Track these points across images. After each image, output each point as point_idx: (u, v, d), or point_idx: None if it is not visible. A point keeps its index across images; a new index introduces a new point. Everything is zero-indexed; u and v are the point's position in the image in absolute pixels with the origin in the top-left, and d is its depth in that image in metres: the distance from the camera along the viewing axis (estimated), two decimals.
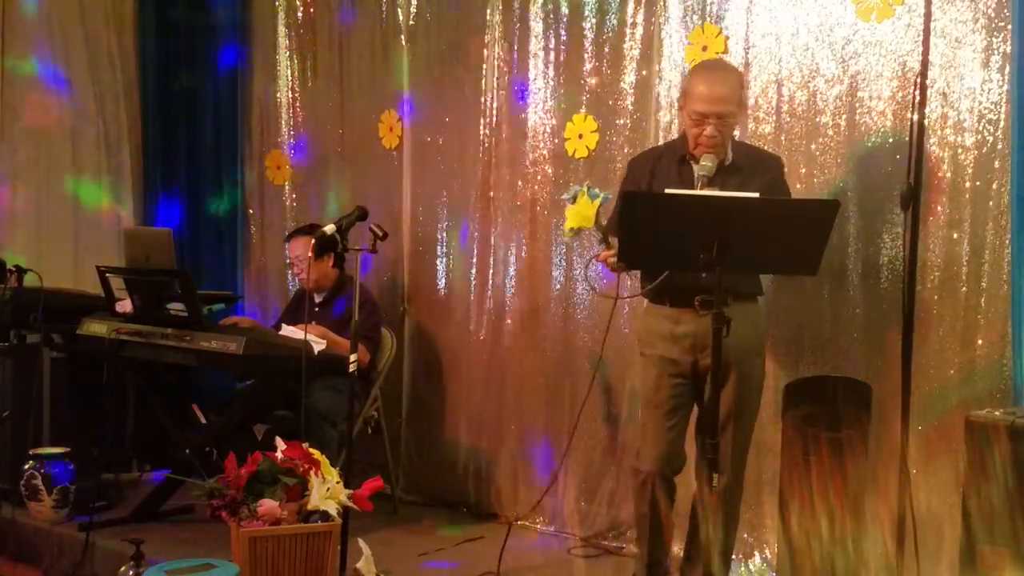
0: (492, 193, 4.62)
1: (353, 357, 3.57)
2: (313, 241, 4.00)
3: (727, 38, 3.83)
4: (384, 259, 4.96)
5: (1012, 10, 3.18)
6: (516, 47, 4.51)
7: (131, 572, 3.20)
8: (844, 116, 3.58)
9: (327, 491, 3.12)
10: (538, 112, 4.45)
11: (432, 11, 4.85)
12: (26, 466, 4.24)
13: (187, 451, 4.19)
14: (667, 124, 3.99)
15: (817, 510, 3.24)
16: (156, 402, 4.39)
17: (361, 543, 3.42)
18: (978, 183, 3.30)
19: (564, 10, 4.33)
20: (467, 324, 4.71)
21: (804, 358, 3.63)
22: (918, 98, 2.92)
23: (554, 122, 4.39)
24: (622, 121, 4.17)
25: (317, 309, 4.62)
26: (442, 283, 4.83)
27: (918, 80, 2.93)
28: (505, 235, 4.57)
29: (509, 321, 4.55)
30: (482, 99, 4.64)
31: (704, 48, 3.85)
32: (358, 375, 3.71)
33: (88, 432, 4.65)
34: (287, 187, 5.54)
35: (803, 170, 3.68)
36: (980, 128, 3.29)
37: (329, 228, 3.68)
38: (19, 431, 4.47)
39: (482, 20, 4.62)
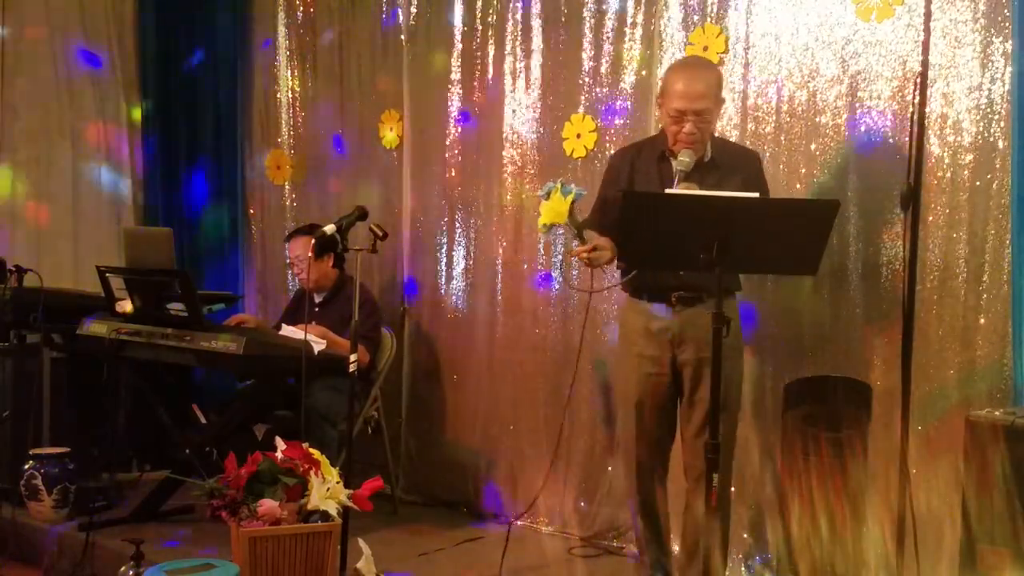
0: (492, 192, 4.62)
1: (353, 357, 3.57)
2: (313, 241, 4.00)
3: (727, 38, 3.83)
4: (384, 259, 4.96)
5: (1012, 10, 3.18)
6: (516, 47, 4.51)
7: (131, 572, 3.20)
8: (844, 116, 3.58)
9: (327, 491, 3.12)
10: (537, 112, 4.45)
11: (432, 11, 4.85)
12: (26, 466, 4.24)
13: (187, 451, 4.19)
14: None
15: (817, 510, 3.25)
16: (156, 402, 4.38)
17: (361, 543, 3.41)
18: (978, 183, 3.30)
19: (564, 10, 4.33)
20: (467, 324, 4.71)
21: (804, 358, 3.63)
22: (918, 98, 2.91)
23: (553, 122, 4.39)
24: (621, 121, 4.17)
25: (317, 309, 4.62)
26: (442, 283, 4.83)
27: (918, 80, 2.93)
28: (505, 235, 4.57)
29: (509, 321, 4.54)
30: (481, 98, 4.65)
31: (704, 48, 3.85)
32: (358, 375, 3.71)
33: (88, 432, 4.65)
34: (287, 187, 5.54)
35: (803, 170, 3.68)
36: (980, 128, 3.29)
37: (329, 228, 3.68)
38: (19, 431, 4.47)
39: (482, 20, 4.63)
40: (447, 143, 4.80)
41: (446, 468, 4.77)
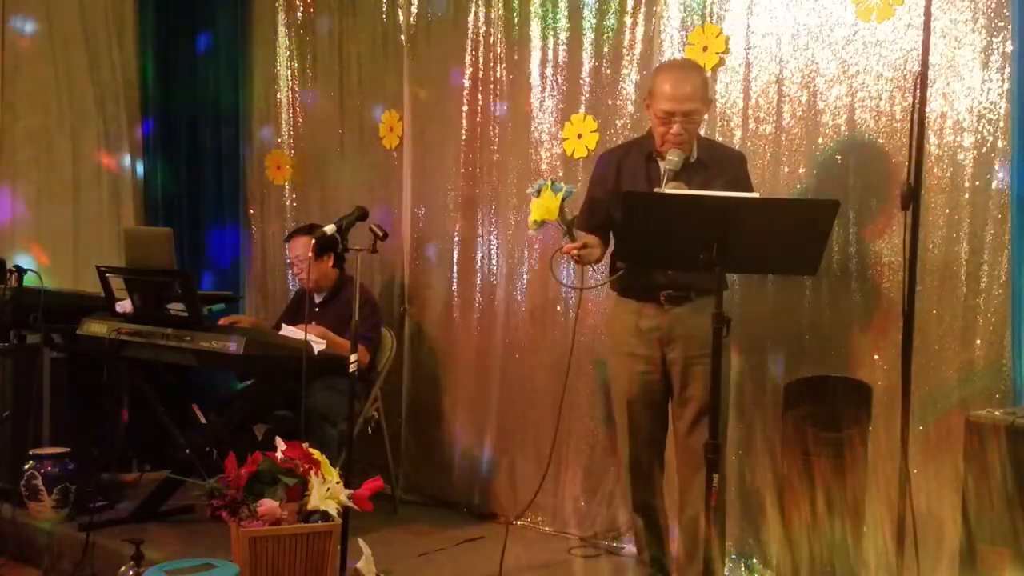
0: (492, 193, 4.62)
1: (353, 357, 3.57)
2: (313, 241, 4.00)
3: (727, 38, 3.83)
4: (384, 259, 4.96)
5: (1012, 10, 3.18)
6: (516, 46, 4.51)
7: (131, 572, 3.21)
8: (844, 116, 3.59)
9: (327, 491, 3.12)
10: (537, 112, 4.45)
11: (432, 11, 4.85)
12: (26, 466, 4.23)
13: (187, 451, 4.19)
14: None
15: (817, 510, 3.25)
16: (156, 402, 4.38)
17: (361, 543, 3.42)
18: (978, 183, 3.30)
19: (564, 10, 4.33)
20: (467, 324, 4.71)
21: (804, 358, 3.63)
22: (918, 98, 2.92)
23: (553, 122, 4.39)
24: (622, 121, 4.17)
25: (317, 309, 4.62)
26: (442, 283, 4.83)
27: (918, 80, 2.93)
28: (504, 235, 4.57)
29: (509, 321, 4.54)
30: (481, 98, 4.65)
31: (704, 48, 3.85)
32: (358, 375, 3.71)
33: (88, 432, 4.64)
34: (287, 187, 5.54)
35: (803, 170, 3.68)
36: (980, 128, 3.29)
37: (329, 228, 3.68)
38: (19, 431, 4.46)
39: (482, 19, 4.63)
40: (447, 143, 4.80)
41: (446, 468, 4.77)
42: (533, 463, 4.40)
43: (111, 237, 5.76)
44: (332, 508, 3.11)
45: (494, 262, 4.61)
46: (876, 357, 3.48)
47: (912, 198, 2.94)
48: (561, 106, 4.36)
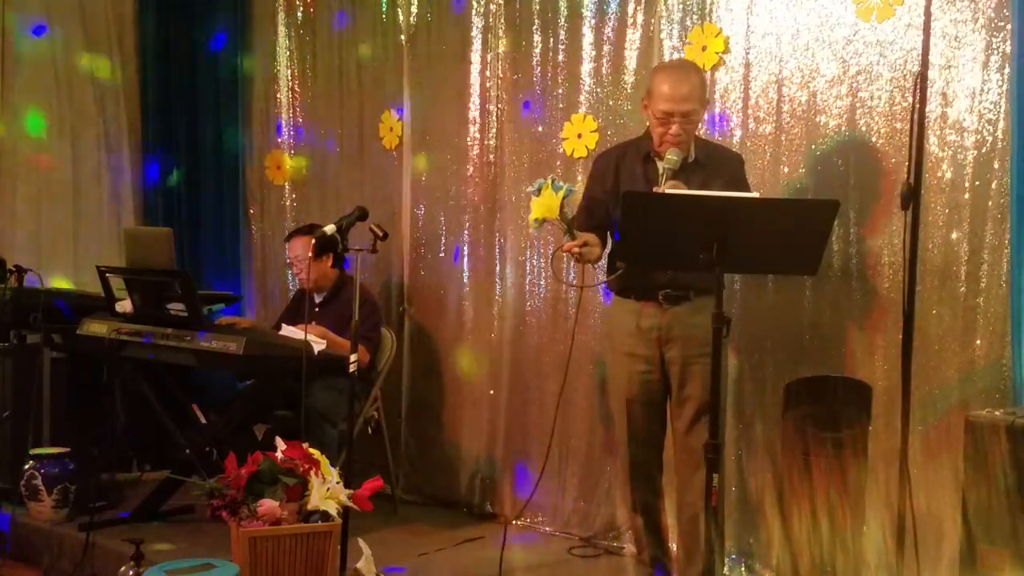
0: (491, 193, 4.62)
1: (353, 357, 3.57)
2: (313, 241, 4.00)
3: (727, 38, 3.83)
4: (384, 259, 4.96)
5: (1012, 10, 3.18)
6: (516, 46, 4.51)
7: (131, 572, 3.21)
8: (844, 116, 3.59)
9: (327, 491, 3.12)
10: (537, 112, 4.45)
11: (432, 11, 4.85)
12: (26, 466, 4.23)
13: (187, 451, 4.19)
14: None
15: (817, 510, 3.25)
16: (156, 402, 4.38)
17: (361, 543, 3.42)
18: (978, 183, 3.30)
19: (564, 10, 4.33)
20: (467, 324, 4.71)
21: (804, 358, 3.63)
22: (918, 98, 2.92)
23: (553, 122, 4.39)
24: (622, 121, 4.17)
25: (317, 309, 4.62)
26: (441, 283, 4.83)
27: (918, 80, 2.93)
28: (504, 235, 4.57)
29: (509, 320, 4.54)
30: (481, 99, 4.64)
31: (704, 48, 3.85)
32: (358, 375, 3.71)
33: (88, 432, 4.64)
34: (287, 187, 5.54)
35: (803, 170, 3.68)
36: (980, 128, 3.29)
37: (329, 228, 3.68)
38: (19, 431, 4.47)
39: (482, 19, 4.62)
40: (447, 143, 4.80)
41: (446, 468, 4.77)
42: (533, 463, 4.40)
43: (111, 237, 5.75)
44: (332, 508, 3.11)
45: (494, 262, 4.61)
46: (876, 357, 3.48)
47: (912, 198, 2.94)
48: (561, 106, 4.36)
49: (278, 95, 5.54)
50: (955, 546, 3.00)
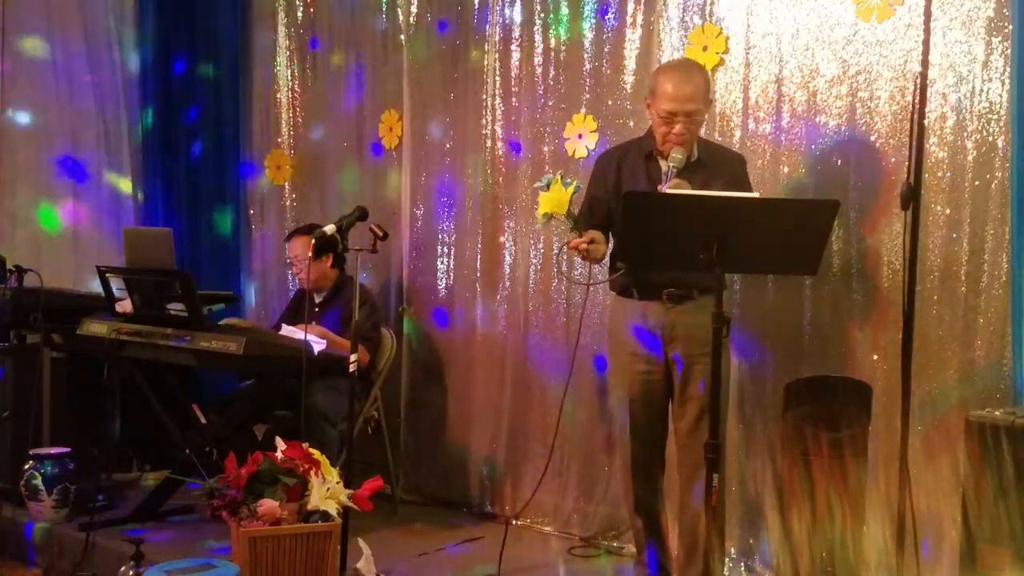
0: (491, 193, 4.62)
1: (353, 357, 3.57)
2: (313, 241, 4.00)
3: (727, 38, 3.83)
4: (384, 259, 4.96)
5: (1012, 10, 3.18)
6: (516, 46, 4.51)
7: (131, 572, 3.20)
8: (844, 116, 3.58)
9: (327, 491, 3.12)
10: (537, 111, 4.45)
11: (432, 10, 4.85)
12: (26, 466, 4.23)
13: (187, 451, 4.19)
14: None
15: (817, 510, 3.25)
16: (156, 402, 4.38)
17: (361, 543, 3.42)
18: (978, 183, 3.30)
19: (564, 10, 4.33)
20: (467, 324, 4.71)
21: (804, 358, 3.63)
22: (918, 98, 2.92)
23: (554, 122, 4.39)
24: (622, 121, 4.17)
25: (317, 309, 4.62)
26: (442, 283, 4.83)
27: (918, 80, 2.93)
28: (504, 235, 4.57)
29: (510, 320, 4.54)
30: (481, 99, 4.64)
31: (704, 48, 3.85)
32: (358, 375, 3.71)
33: (88, 432, 4.65)
34: (287, 187, 5.54)
35: (803, 170, 3.68)
36: (980, 128, 3.29)
37: (329, 228, 3.68)
38: (19, 431, 4.46)
39: (482, 19, 4.62)
40: (447, 143, 4.80)
41: (446, 468, 4.77)
42: (533, 462, 4.40)
43: (111, 237, 5.75)
44: (332, 508, 3.11)
45: (494, 261, 4.61)
46: (876, 357, 3.48)
47: (912, 198, 2.94)
48: (562, 106, 4.36)
49: (278, 95, 5.54)
50: (955, 546, 3.01)
